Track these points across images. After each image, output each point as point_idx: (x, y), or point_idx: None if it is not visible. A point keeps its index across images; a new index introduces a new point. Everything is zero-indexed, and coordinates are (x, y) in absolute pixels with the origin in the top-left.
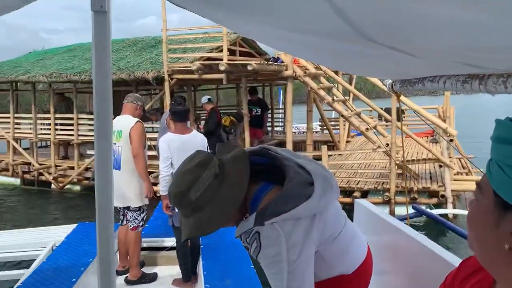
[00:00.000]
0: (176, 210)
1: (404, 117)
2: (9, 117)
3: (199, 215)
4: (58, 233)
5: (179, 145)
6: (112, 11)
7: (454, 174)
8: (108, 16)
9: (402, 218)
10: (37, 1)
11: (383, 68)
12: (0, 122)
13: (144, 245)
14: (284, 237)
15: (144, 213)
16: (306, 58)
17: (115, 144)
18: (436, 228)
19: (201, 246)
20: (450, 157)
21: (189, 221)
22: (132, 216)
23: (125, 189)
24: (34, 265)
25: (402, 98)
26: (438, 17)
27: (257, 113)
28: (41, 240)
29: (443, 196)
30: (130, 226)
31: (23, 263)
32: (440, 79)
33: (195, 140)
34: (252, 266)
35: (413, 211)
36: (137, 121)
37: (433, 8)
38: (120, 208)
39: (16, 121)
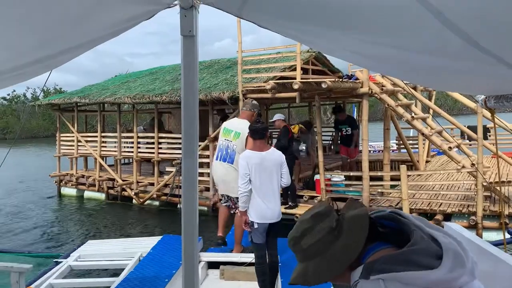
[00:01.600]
0: (255, 226)
1: (489, 135)
2: (96, 136)
3: (307, 264)
4: (145, 244)
5: (258, 161)
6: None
7: None
8: (196, 40)
9: (496, 244)
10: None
11: (478, 83)
12: (89, 141)
13: (224, 259)
14: None
15: None
16: (393, 75)
17: (231, 141)
18: None
19: (280, 264)
20: None
21: (299, 266)
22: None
23: (231, 180)
24: (123, 274)
25: (485, 113)
26: None
27: (347, 132)
28: (129, 251)
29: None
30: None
31: (114, 271)
32: None
33: (273, 157)
34: (330, 283)
35: (508, 236)
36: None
37: None
38: (223, 194)
39: (103, 139)
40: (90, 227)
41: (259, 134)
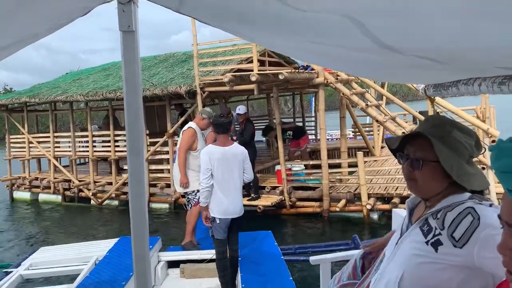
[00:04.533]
0: (217, 222)
1: None
2: (49, 136)
3: (443, 148)
4: (101, 248)
5: (220, 156)
6: (146, 30)
7: None
8: (136, 35)
9: None
10: (75, 25)
11: (414, 74)
12: (42, 142)
13: (184, 257)
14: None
15: (188, 197)
16: (335, 69)
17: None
18: None
19: (240, 259)
20: None
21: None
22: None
23: (175, 178)
24: (78, 280)
25: (439, 99)
26: (469, 29)
27: (290, 136)
28: (84, 255)
29: (487, 199)
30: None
31: (69, 278)
32: (474, 82)
33: (236, 152)
34: (291, 278)
35: None
36: (189, 127)
37: (458, 21)
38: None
39: (56, 139)
40: (45, 233)
41: (223, 128)
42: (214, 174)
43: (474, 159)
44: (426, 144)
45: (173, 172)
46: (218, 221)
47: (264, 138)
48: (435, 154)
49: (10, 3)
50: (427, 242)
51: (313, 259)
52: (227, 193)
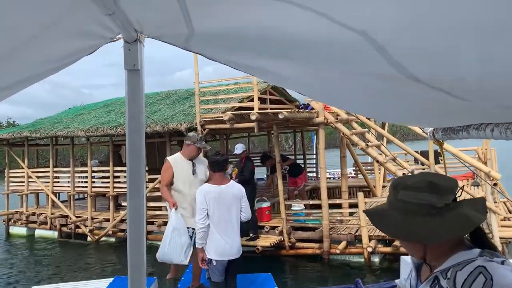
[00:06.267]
0: (214, 263)
1: (441, 160)
2: (48, 171)
3: (396, 214)
4: (98, 287)
5: (216, 196)
6: (150, 66)
7: (501, 220)
8: (141, 74)
9: None
10: (79, 61)
11: (423, 116)
12: (41, 176)
13: None
14: None
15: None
16: (340, 106)
17: None
18: None
19: None
20: (495, 202)
21: (390, 212)
22: None
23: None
24: None
25: None
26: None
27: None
28: None
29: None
30: None
31: None
32: (487, 127)
33: (233, 191)
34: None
35: None
36: (166, 159)
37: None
38: None
39: (56, 174)
40: (38, 270)
41: (219, 166)
42: (210, 214)
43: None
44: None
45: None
46: (214, 263)
47: (265, 176)
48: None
49: (14, 42)
50: None
51: None
52: (224, 234)
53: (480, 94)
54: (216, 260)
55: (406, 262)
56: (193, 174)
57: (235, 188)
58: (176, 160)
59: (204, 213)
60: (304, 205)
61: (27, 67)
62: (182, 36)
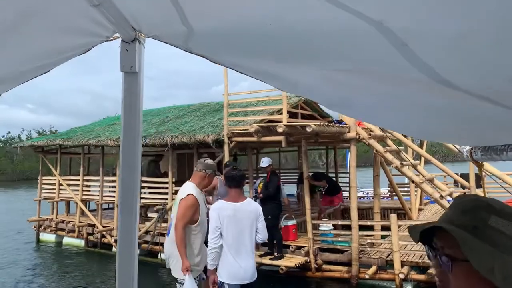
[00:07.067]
0: (225, 287)
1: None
2: (79, 179)
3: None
4: None
5: (231, 213)
6: (188, 80)
7: None
8: (139, 77)
9: None
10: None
11: (459, 131)
12: (72, 184)
13: None
14: None
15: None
16: (358, 116)
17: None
18: None
19: None
20: None
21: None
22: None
23: (168, 256)
24: None
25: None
26: None
27: (325, 194)
28: None
29: None
30: None
31: None
32: None
33: (249, 209)
34: None
35: None
36: (189, 194)
37: None
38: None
39: (86, 183)
40: (62, 280)
41: (236, 181)
42: (224, 234)
43: None
44: (454, 237)
45: (167, 247)
46: (226, 287)
47: (295, 192)
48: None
49: None
50: None
51: None
52: (238, 256)
53: None
54: (228, 284)
55: None
56: (207, 205)
57: (251, 206)
58: (198, 194)
59: (218, 232)
60: (334, 225)
61: (5, 64)
62: (181, 35)
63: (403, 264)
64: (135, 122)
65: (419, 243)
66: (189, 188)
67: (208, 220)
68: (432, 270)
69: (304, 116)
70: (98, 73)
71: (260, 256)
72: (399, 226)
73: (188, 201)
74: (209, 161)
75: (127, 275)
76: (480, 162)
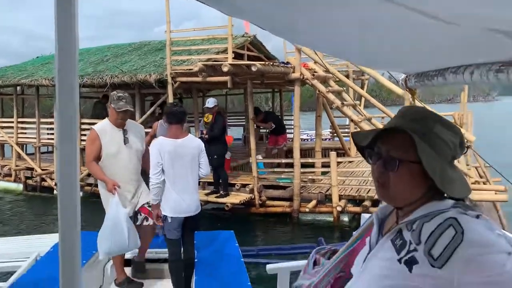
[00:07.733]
0: (169, 221)
1: None
2: (12, 122)
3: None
4: (45, 242)
5: (171, 149)
6: (127, 19)
7: (472, 183)
8: None
9: None
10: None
11: (395, 55)
12: (5, 127)
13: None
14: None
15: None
16: (315, 47)
17: None
18: None
19: (196, 260)
20: (467, 165)
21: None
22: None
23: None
24: (13, 279)
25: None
26: None
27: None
28: (25, 250)
29: (474, 209)
30: None
31: (4, 276)
32: (465, 70)
33: (190, 145)
34: (249, 283)
35: None
36: (91, 128)
37: None
38: None
39: (21, 125)
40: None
41: (176, 117)
42: (165, 169)
43: None
44: (405, 141)
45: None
46: (170, 220)
47: (241, 135)
48: (415, 154)
49: None
50: (399, 260)
51: (270, 267)
52: (181, 191)
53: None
54: (171, 217)
55: (365, 219)
56: (124, 144)
57: (194, 143)
58: (107, 128)
59: (159, 168)
60: (278, 164)
61: None
62: None
63: (340, 198)
64: (72, 45)
65: (357, 179)
66: (98, 123)
67: (134, 150)
68: (366, 202)
69: (250, 58)
70: (30, 8)
71: (206, 194)
72: (339, 163)
73: (89, 137)
74: (121, 93)
75: (70, 212)
76: (414, 89)
